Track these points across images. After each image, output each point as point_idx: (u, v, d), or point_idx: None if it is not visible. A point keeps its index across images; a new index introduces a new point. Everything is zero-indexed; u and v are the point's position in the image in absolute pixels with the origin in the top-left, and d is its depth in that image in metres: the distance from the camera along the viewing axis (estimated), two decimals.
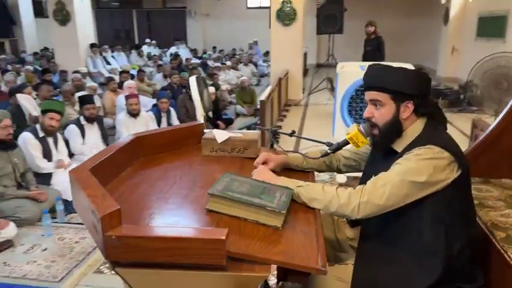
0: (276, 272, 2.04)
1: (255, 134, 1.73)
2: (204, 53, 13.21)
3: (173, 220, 1.16)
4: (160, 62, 9.76)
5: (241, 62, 10.49)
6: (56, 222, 3.16)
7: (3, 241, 2.78)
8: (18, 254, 2.74)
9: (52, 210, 3.19)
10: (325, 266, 0.99)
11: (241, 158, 1.66)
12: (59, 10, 8.09)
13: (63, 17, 8.15)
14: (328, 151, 1.51)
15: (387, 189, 1.21)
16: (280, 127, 5.90)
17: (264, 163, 1.51)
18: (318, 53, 14.45)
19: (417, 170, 1.20)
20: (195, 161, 1.63)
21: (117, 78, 6.92)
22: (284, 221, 1.16)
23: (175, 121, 5.03)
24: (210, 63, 10.37)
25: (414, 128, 1.32)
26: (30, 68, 7.78)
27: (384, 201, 1.22)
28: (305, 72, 11.12)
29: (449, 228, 1.26)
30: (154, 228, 1.02)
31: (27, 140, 3.47)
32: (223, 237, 0.94)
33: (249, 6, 15.92)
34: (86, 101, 4.31)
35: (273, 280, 2.18)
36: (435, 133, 1.30)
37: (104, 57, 9.11)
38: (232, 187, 1.23)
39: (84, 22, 8.37)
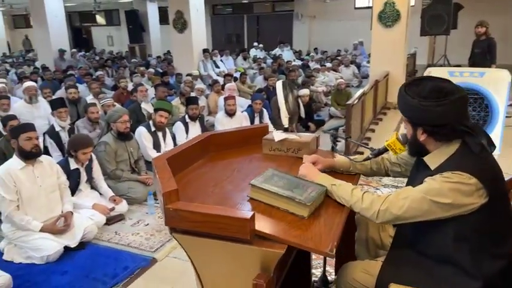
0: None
1: (309, 136, 1.94)
2: (308, 54, 13.43)
3: (221, 202, 1.45)
4: (263, 65, 10.29)
5: (342, 64, 10.47)
6: (158, 203, 3.75)
7: (117, 215, 3.43)
8: (127, 226, 3.37)
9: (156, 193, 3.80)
10: (332, 251, 1.17)
11: (294, 157, 1.88)
12: (177, 19, 9.14)
13: (181, 25, 9.17)
14: (370, 156, 1.65)
15: (407, 202, 1.32)
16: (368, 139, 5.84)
17: (314, 164, 1.71)
18: (430, 54, 13.56)
19: (439, 191, 1.28)
20: (254, 158, 1.91)
21: (222, 80, 7.58)
22: (312, 213, 1.37)
23: (266, 121, 5.39)
24: (312, 64, 10.57)
25: (449, 148, 1.37)
26: (152, 70, 8.95)
27: (402, 213, 1.33)
28: (413, 73, 10.61)
29: (475, 247, 1.32)
30: (198, 205, 1.32)
31: (142, 133, 4.16)
32: (248, 217, 1.19)
33: (356, 6, 15.66)
34: (190, 101, 4.92)
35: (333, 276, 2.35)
36: (466, 158, 1.33)
37: (214, 61, 9.98)
38: (271, 180, 1.47)
39: (199, 29, 9.30)
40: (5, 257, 2.85)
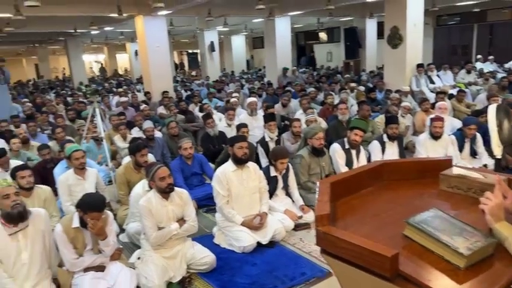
0: None
1: (495, 178, 1.69)
2: None
3: (373, 233, 1.48)
4: (491, 80, 8.95)
5: None
6: None
7: (304, 223, 3.75)
8: (311, 235, 3.62)
9: None
10: None
11: (474, 198, 1.69)
12: (392, 35, 8.99)
13: (396, 40, 8.97)
14: None
15: None
16: None
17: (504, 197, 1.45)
18: None
19: None
20: (427, 193, 1.81)
21: (434, 97, 7.04)
22: (473, 264, 1.24)
23: (479, 149, 4.73)
24: None
25: None
26: (362, 88, 9.09)
27: None
28: None
29: None
30: (345, 233, 1.39)
31: (335, 149, 4.38)
32: (389, 255, 1.20)
33: None
34: (390, 120, 4.83)
35: None
36: None
37: (429, 76, 9.32)
38: (431, 221, 1.40)
39: (414, 44, 8.89)
40: (214, 240, 3.55)
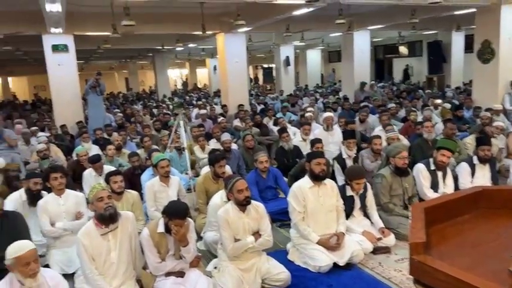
0: None
1: None
2: None
3: (474, 266, 1.35)
4: None
5: None
6: None
7: (384, 246, 3.56)
8: (391, 260, 3.44)
9: None
10: None
11: None
12: (483, 49, 8.33)
13: (487, 55, 8.30)
14: None
15: None
16: None
17: None
18: None
19: None
20: None
21: None
22: None
23: None
24: None
25: None
26: (448, 105, 8.50)
27: None
28: None
29: None
30: (443, 264, 1.29)
31: (420, 170, 4.13)
32: None
33: None
34: (482, 141, 4.44)
35: None
36: None
37: None
38: None
39: (508, 59, 8.15)
40: (288, 257, 3.52)
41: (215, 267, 3.19)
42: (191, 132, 6.85)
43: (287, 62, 15.67)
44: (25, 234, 3.23)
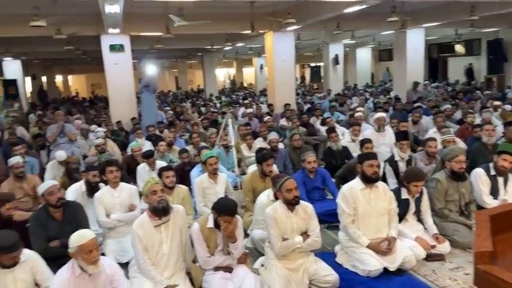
0: None
1: None
2: None
3: None
4: None
5: None
6: None
7: (438, 253, 3.40)
8: (446, 268, 3.28)
9: None
10: None
11: None
12: None
13: None
14: None
15: None
16: None
17: None
18: None
19: None
20: None
21: None
22: None
23: None
24: None
25: None
26: (508, 106, 7.95)
27: None
28: None
29: None
30: (511, 275, 1.20)
31: (479, 175, 3.90)
32: None
33: None
34: None
35: None
36: None
37: None
38: None
39: None
40: (337, 259, 3.46)
41: (262, 265, 3.20)
42: (238, 130, 6.93)
43: (336, 61, 15.40)
44: (84, 224, 3.43)
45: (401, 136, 4.65)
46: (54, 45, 11.19)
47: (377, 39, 16.83)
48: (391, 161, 4.58)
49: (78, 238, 2.45)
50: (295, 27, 9.43)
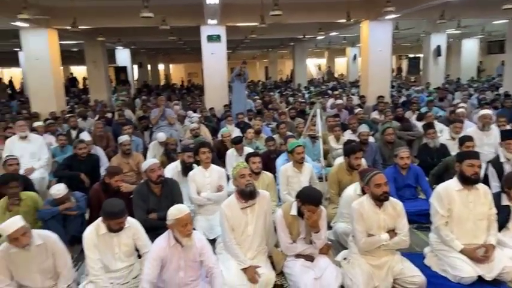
0: None
1: None
2: None
3: None
4: None
5: None
6: None
7: None
8: None
9: None
10: None
11: None
12: None
13: None
14: None
15: None
16: None
17: None
18: None
19: None
20: None
21: None
22: None
23: None
24: None
25: None
26: None
27: None
28: None
29: None
30: None
31: None
32: None
33: None
34: None
35: None
36: None
37: None
38: None
39: None
40: (425, 261, 3.26)
41: (344, 258, 3.16)
42: (326, 121, 6.84)
43: (438, 52, 14.24)
44: (179, 200, 3.73)
45: (508, 135, 4.17)
46: (159, 36, 12.12)
47: (487, 29, 15.14)
48: (496, 163, 4.14)
49: (176, 212, 2.67)
50: (393, 16, 8.92)
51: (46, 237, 2.81)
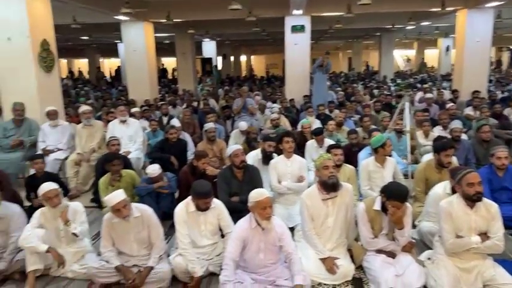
0: None
1: None
2: None
3: None
4: None
5: None
6: None
7: None
8: None
9: None
10: None
11: None
12: None
13: None
14: None
15: None
16: None
17: None
18: None
19: None
20: None
21: None
22: None
23: None
24: None
25: None
26: None
27: None
28: None
29: None
30: None
31: None
32: None
33: None
34: None
35: None
36: None
37: None
38: None
39: None
40: None
41: (429, 258, 3.02)
42: (414, 116, 6.50)
43: None
44: (259, 185, 3.85)
45: None
46: (244, 27, 12.42)
47: None
48: None
49: (256, 195, 2.79)
50: (496, 3, 8.10)
51: (143, 211, 3.12)
